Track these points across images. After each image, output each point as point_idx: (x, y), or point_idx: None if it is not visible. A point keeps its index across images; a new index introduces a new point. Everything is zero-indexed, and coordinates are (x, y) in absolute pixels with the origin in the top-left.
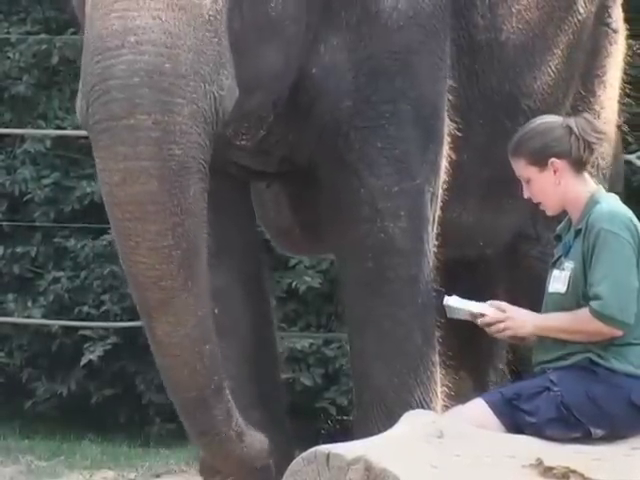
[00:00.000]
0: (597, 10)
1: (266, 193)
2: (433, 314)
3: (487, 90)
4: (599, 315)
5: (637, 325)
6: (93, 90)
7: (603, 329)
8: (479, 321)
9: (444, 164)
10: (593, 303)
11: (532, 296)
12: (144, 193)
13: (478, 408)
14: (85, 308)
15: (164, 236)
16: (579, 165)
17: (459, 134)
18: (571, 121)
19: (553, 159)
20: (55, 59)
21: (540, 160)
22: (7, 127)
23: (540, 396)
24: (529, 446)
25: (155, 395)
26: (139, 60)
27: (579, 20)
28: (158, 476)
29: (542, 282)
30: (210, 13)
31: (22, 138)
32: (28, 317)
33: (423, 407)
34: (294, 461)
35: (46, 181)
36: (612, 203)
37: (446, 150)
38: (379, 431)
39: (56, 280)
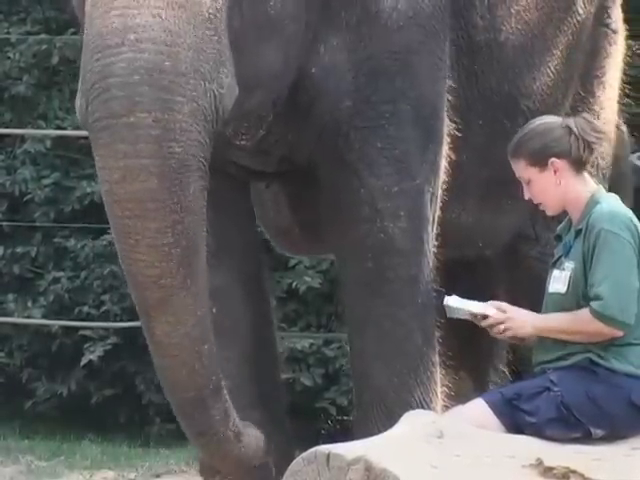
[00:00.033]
0: (596, 11)
1: (265, 193)
2: (433, 314)
3: (486, 91)
4: (599, 316)
5: (637, 325)
6: (93, 88)
7: (603, 329)
8: (482, 322)
9: (444, 164)
10: (594, 304)
11: (532, 296)
12: (144, 191)
13: (478, 408)
14: (85, 308)
15: (164, 233)
16: (579, 165)
17: (458, 134)
18: (570, 121)
19: (553, 159)
20: (55, 59)
21: (540, 160)
22: (7, 127)
23: (540, 396)
24: (529, 446)
25: (155, 395)
26: (139, 58)
27: (578, 21)
28: (158, 476)
29: (542, 282)
30: (210, 11)
31: (22, 138)
32: (28, 317)
33: (423, 407)
34: (294, 461)
35: (46, 181)
36: (612, 203)
37: (446, 150)
38: (379, 431)
39: (56, 280)
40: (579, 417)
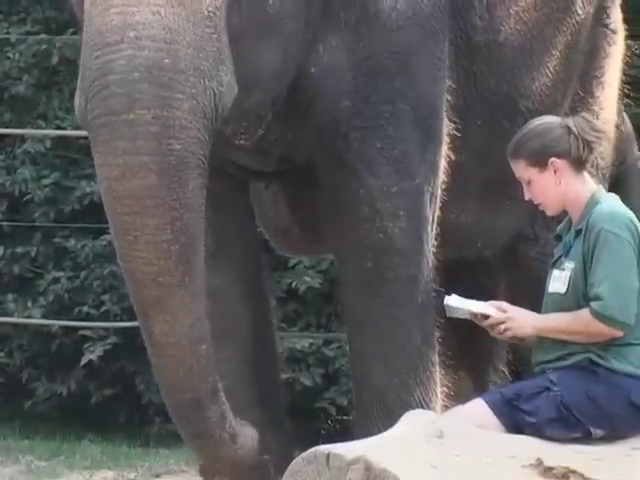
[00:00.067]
0: (595, 11)
1: (264, 193)
2: (432, 314)
3: (485, 91)
4: (600, 316)
5: (637, 325)
6: (92, 85)
7: (604, 330)
8: (482, 322)
9: (443, 164)
10: (594, 304)
11: (531, 296)
12: (143, 187)
13: (478, 408)
14: (85, 308)
15: (163, 230)
16: (579, 164)
17: (457, 135)
18: (569, 121)
19: (553, 159)
20: (55, 59)
21: (540, 161)
22: (7, 127)
23: (540, 396)
24: (529, 446)
25: (155, 395)
26: (139, 55)
27: (577, 21)
28: (158, 476)
29: (541, 282)
30: (209, 9)
31: (22, 138)
32: (28, 317)
33: (423, 407)
34: (294, 461)
35: (46, 181)
36: (612, 203)
37: (445, 150)
38: (379, 431)
39: (56, 280)
40: (579, 417)
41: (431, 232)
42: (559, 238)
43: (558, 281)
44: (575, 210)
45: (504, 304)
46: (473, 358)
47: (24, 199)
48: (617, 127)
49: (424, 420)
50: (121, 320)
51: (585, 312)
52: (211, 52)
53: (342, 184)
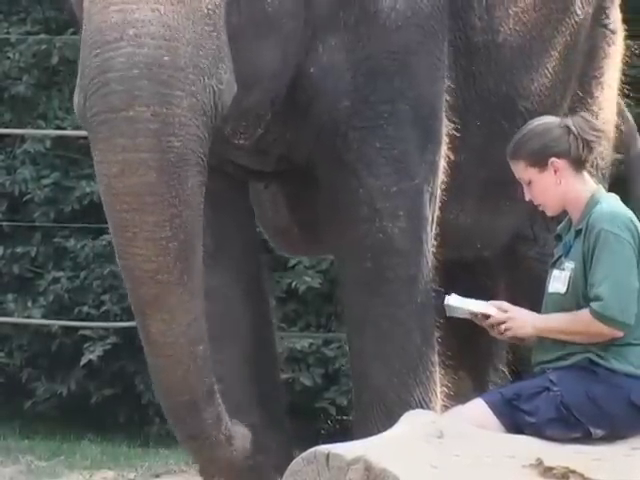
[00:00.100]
0: (594, 11)
1: (264, 193)
2: (432, 314)
3: (484, 92)
4: (600, 316)
5: (637, 326)
6: (92, 83)
7: (604, 330)
8: (482, 322)
9: (443, 164)
10: (594, 304)
11: (531, 297)
12: (142, 184)
13: (478, 408)
14: (85, 308)
15: (162, 227)
16: (579, 164)
17: (457, 135)
18: (569, 121)
19: (553, 159)
20: (55, 59)
21: (540, 161)
22: (7, 127)
23: (540, 396)
24: (529, 446)
25: (155, 395)
26: (138, 53)
27: (576, 22)
28: (158, 476)
29: (541, 283)
30: (209, 7)
31: (22, 138)
32: (28, 317)
33: (422, 407)
34: (294, 461)
35: (46, 181)
36: (612, 203)
37: (445, 150)
38: (379, 431)
39: (56, 280)
40: (579, 417)
41: (431, 232)
42: (559, 238)
43: (558, 281)
44: (575, 210)
45: (504, 304)
46: (473, 358)
47: (24, 199)
48: (617, 127)
49: (424, 420)
50: (121, 320)
51: (585, 312)
52: (210, 50)
53: (341, 184)
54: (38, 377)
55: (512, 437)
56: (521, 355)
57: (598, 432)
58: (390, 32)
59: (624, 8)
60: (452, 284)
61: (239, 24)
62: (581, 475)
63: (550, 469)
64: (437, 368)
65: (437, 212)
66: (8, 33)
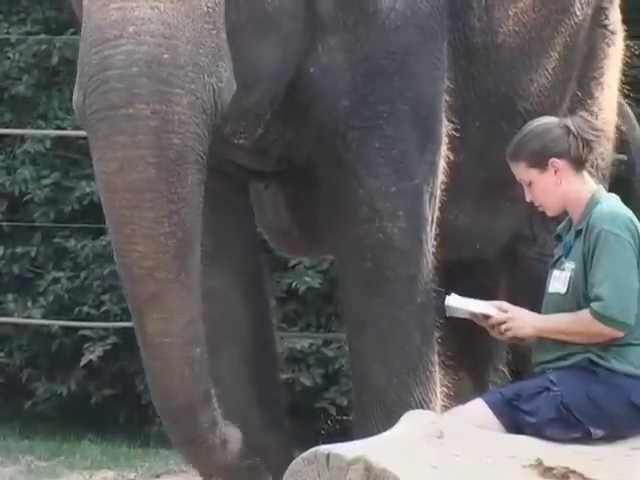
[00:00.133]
0: (594, 12)
1: (264, 194)
2: (432, 314)
3: (483, 92)
4: (600, 316)
5: (637, 326)
6: (91, 81)
7: (604, 330)
8: (483, 322)
9: (442, 164)
10: (594, 304)
11: (531, 297)
12: (141, 181)
13: (478, 408)
14: (85, 308)
15: (160, 223)
16: (579, 164)
17: (456, 135)
18: (568, 121)
19: (553, 159)
20: (55, 59)
21: (540, 161)
22: (7, 127)
23: (540, 396)
24: (529, 446)
25: None
26: (138, 50)
27: (576, 22)
28: (158, 476)
29: (541, 283)
30: (208, 5)
31: (22, 138)
32: (28, 317)
33: (422, 407)
34: (294, 461)
35: (46, 181)
36: (613, 203)
37: (444, 150)
38: (379, 431)
39: (56, 280)
40: (579, 417)
41: (430, 232)
42: (559, 238)
43: (558, 281)
44: (575, 210)
45: (505, 304)
46: (473, 358)
47: (24, 199)
48: (617, 127)
49: (424, 420)
50: (121, 320)
51: (585, 313)
52: (210, 48)
53: (341, 184)
54: (38, 377)
55: (512, 437)
56: (521, 355)
57: (598, 432)
58: (389, 32)
59: (624, 8)
60: (452, 284)
61: (238, 23)
62: (581, 475)
63: (550, 469)
64: (437, 368)
65: (437, 212)
66: (8, 33)
